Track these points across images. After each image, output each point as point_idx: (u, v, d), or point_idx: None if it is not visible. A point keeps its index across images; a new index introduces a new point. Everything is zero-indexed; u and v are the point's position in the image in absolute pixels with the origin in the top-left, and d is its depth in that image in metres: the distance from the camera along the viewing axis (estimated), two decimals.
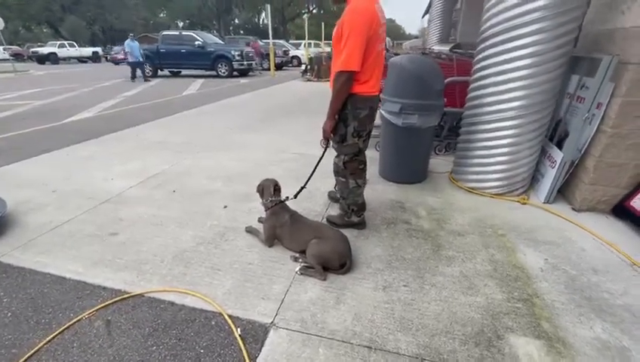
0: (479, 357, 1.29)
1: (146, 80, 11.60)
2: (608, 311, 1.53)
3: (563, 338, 1.38)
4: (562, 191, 2.57)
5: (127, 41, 11.03)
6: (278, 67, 15.26)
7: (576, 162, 2.42)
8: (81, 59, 25.60)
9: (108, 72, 15.46)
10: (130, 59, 11.16)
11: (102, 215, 2.33)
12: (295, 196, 2.04)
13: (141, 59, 11.35)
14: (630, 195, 2.24)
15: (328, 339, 1.36)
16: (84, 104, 6.86)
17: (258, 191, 2.04)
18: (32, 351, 1.31)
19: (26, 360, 1.28)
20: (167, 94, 8.34)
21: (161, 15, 44.42)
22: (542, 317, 1.48)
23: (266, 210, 2.00)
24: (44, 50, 23.21)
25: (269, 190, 1.98)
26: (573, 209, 2.45)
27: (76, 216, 2.31)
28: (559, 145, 2.50)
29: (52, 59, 22.93)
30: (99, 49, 27.89)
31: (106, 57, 24.98)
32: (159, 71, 13.13)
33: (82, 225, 2.20)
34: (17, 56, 24.59)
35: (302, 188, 2.08)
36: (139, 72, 11.43)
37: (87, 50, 26.38)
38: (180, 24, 41.53)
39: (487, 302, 1.57)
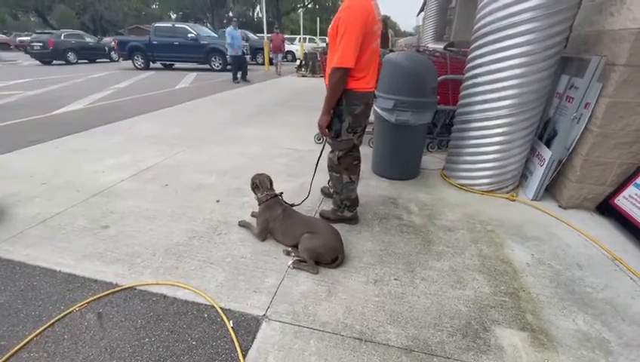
0: (466, 348, 1.33)
1: (245, 80, 8.91)
2: (590, 304, 1.59)
3: (546, 330, 1.43)
4: (550, 189, 2.63)
5: (229, 29, 8.44)
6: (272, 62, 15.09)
7: (563, 160, 2.47)
8: None
9: (98, 64, 15.14)
10: (230, 52, 8.57)
11: (93, 208, 2.31)
12: (298, 204, 2.15)
13: (243, 53, 8.83)
14: (614, 193, 2.31)
15: (320, 331, 1.39)
16: (74, 95, 6.73)
17: (252, 186, 2.05)
18: (23, 343, 1.30)
19: (16, 351, 1.27)
20: (159, 87, 8.22)
21: (154, 6, 43.54)
22: (527, 310, 1.53)
23: (259, 204, 2.01)
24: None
25: (263, 184, 2.00)
26: (559, 206, 2.51)
27: (66, 208, 2.28)
28: (548, 144, 2.56)
29: None
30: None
31: None
32: (151, 63, 12.91)
33: (73, 218, 2.18)
34: (3, 45, 23.87)
35: (306, 196, 2.25)
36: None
37: None
38: (173, 16, 40.82)
39: (475, 296, 1.61)
